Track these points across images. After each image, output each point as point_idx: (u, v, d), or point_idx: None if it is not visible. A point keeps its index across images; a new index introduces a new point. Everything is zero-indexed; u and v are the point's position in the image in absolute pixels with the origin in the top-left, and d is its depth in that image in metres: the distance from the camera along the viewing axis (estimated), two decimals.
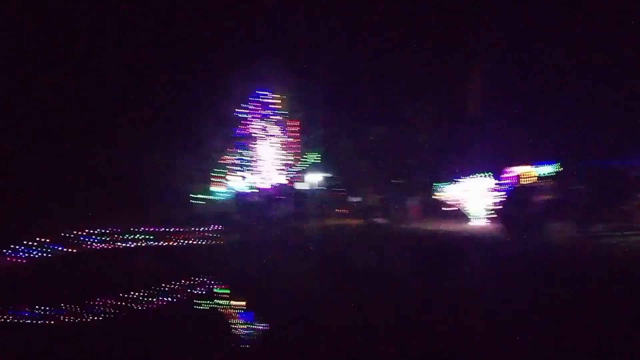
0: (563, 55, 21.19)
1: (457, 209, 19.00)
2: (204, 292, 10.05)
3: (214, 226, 15.73)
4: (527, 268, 9.97)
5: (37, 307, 8.33)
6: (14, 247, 11.17)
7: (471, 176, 19.05)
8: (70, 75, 16.82)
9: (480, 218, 18.04)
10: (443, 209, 19.40)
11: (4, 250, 11.01)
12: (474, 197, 18.49)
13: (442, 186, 19.95)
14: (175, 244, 13.98)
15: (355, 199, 21.16)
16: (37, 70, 16.20)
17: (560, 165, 20.50)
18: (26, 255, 11.26)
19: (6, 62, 15.58)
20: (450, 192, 19.51)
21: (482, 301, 7.62)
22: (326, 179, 23.99)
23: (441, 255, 11.74)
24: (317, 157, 23.90)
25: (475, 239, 14.95)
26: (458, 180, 19.43)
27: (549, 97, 21.73)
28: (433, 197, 20.16)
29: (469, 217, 18.46)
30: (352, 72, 23.92)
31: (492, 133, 21.22)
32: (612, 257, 11.33)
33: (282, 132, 23.99)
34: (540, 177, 20.34)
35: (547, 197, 17.64)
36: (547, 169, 20.85)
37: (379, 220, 17.94)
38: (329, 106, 24.20)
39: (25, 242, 11.35)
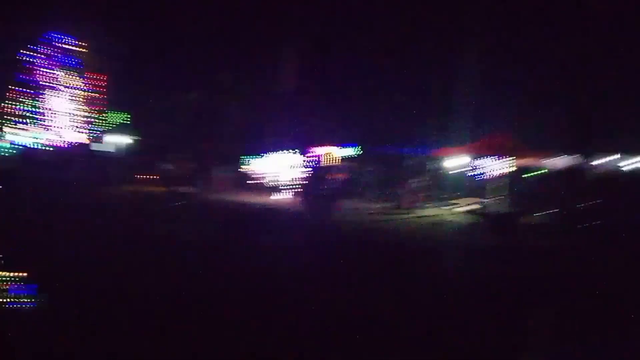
0: (371, 46, 23.20)
1: (263, 182, 19.51)
2: None
3: None
4: (320, 237, 10.96)
5: None
6: None
7: (278, 152, 19.69)
8: None
9: (284, 192, 18.85)
10: (249, 181, 19.74)
11: None
12: (280, 172, 19.21)
13: (250, 159, 20.26)
14: None
15: (165, 166, 20.11)
16: None
17: (360, 148, 22.53)
18: None
19: None
20: (258, 166, 19.94)
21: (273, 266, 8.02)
22: (134, 142, 22.38)
23: (240, 226, 11.96)
24: (124, 117, 22.11)
25: (276, 211, 15.58)
26: (265, 154, 19.92)
27: (355, 86, 23.66)
28: (241, 169, 20.36)
29: (274, 190, 19.16)
30: (168, 31, 22.58)
31: (301, 112, 22.25)
32: (382, 231, 12.96)
33: (83, 85, 21.52)
34: (341, 158, 22.10)
35: (343, 175, 19.31)
36: (348, 151, 22.74)
37: (183, 189, 17.43)
38: (141, 64, 22.48)
39: None
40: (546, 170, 17.76)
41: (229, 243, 9.58)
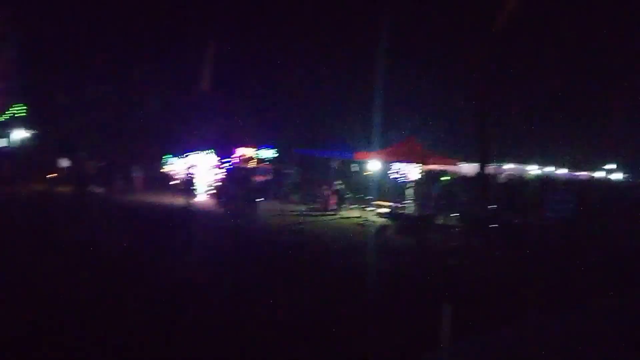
0: (294, 50, 23.31)
1: (180, 183, 18.84)
2: None
3: None
4: (236, 240, 10.79)
5: None
6: None
7: (197, 152, 19.14)
8: None
9: (203, 193, 18.31)
10: (167, 182, 18.97)
11: None
12: (199, 173, 18.65)
13: (168, 159, 19.50)
14: None
15: (68, 163, 18.57)
16: None
17: (280, 150, 22.53)
18: None
19: None
20: (176, 166, 19.26)
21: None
22: (32, 136, 20.54)
23: (152, 229, 11.46)
24: (21, 109, 20.26)
25: (193, 213, 15.11)
26: (184, 155, 19.28)
27: (279, 89, 23.67)
28: (160, 169, 19.53)
29: (193, 191, 18.54)
30: (78, 21, 21.07)
31: (222, 113, 21.83)
32: (301, 233, 13.06)
33: None
34: (259, 160, 21.95)
35: (263, 177, 19.19)
36: (268, 153, 22.66)
37: (96, 189, 16.32)
38: (45, 54, 20.75)
39: None
40: (455, 176, 18.96)
41: (137, 246, 9.16)
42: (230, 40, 23.14)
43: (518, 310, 6.61)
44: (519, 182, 19.83)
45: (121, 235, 10.02)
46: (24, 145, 20.25)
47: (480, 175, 16.45)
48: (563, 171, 31.27)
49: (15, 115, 19.66)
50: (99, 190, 16.58)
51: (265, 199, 16.85)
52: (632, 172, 34.03)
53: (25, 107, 19.78)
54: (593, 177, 31.91)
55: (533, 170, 27.99)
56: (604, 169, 34.62)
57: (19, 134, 20.44)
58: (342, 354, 5.16)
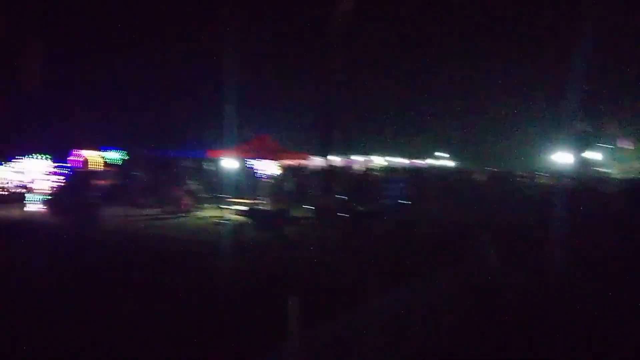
0: (134, 45, 22.03)
1: (7, 191, 16.69)
2: None
3: None
4: (76, 250, 9.97)
5: None
6: None
7: (29, 156, 17.20)
8: None
9: (36, 202, 16.40)
10: None
11: None
12: (30, 179, 16.70)
13: None
14: None
15: None
16: None
17: (126, 152, 21.20)
18: None
19: None
20: (5, 173, 17.02)
21: None
22: None
23: None
24: None
25: (25, 224, 13.60)
26: (12, 159, 17.16)
27: (120, 87, 22.20)
28: None
29: (25, 201, 16.53)
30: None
31: (57, 113, 19.85)
32: (157, 236, 12.56)
33: None
34: (105, 163, 20.43)
35: (109, 181, 17.90)
36: (113, 155, 21.17)
37: None
38: None
39: None
40: (306, 170, 19.77)
41: None
42: (72, 35, 21.17)
43: (363, 294, 7.13)
44: (364, 173, 21.38)
45: None
46: None
47: (329, 168, 17.44)
48: (405, 161, 34.50)
49: None
50: None
51: (111, 203, 15.77)
52: (461, 160, 38.74)
53: None
54: (433, 165, 35.84)
55: (378, 161, 30.45)
56: (438, 158, 39.06)
57: None
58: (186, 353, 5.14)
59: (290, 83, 22.27)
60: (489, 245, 8.45)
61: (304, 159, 19.48)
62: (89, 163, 19.20)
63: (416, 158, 35.58)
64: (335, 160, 19.93)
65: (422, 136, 33.39)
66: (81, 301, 6.68)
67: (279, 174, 17.92)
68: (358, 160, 27.41)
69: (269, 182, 17.90)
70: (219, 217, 15.25)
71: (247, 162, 19.33)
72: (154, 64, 21.81)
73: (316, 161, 20.99)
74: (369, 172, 21.77)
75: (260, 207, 15.30)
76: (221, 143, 18.87)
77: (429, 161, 37.50)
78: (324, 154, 19.09)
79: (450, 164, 38.91)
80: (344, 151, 22.06)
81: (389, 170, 23.72)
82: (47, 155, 17.36)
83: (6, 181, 17.18)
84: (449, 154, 38.82)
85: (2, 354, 4.91)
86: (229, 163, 18.68)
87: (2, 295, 6.87)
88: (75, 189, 15.27)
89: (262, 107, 21.74)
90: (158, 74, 21.95)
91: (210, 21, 21.93)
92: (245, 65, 20.61)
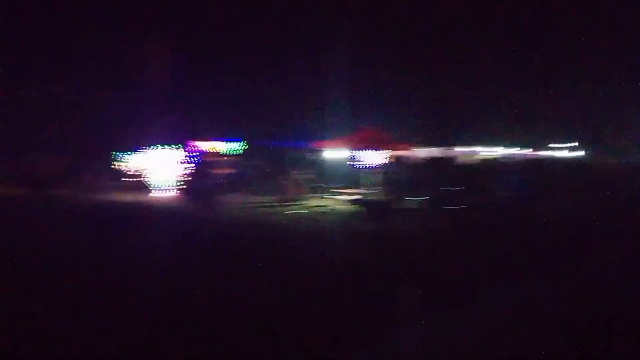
0: (251, 42, 23.13)
1: (140, 179, 18.51)
2: None
3: None
4: (205, 234, 10.77)
5: None
6: None
7: (157, 147, 18.84)
8: None
9: (164, 189, 18.07)
10: (124, 179, 18.58)
11: None
12: (159, 168, 18.37)
13: (124, 155, 19.03)
14: None
15: (27, 165, 18.05)
16: None
17: (244, 143, 22.41)
18: None
19: None
20: (134, 162, 18.85)
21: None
22: None
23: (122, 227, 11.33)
24: None
25: (158, 210, 14.99)
26: (145, 149, 18.92)
27: (237, 81, 23.46)
28: (114, 166, 19.05)
29: (152, 188, 18.28)
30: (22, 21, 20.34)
31: (183, 106, 21.51)
32: (270, 223, 13.14)
33: None
34: (225, 153, 21.78)
35: (228, 170, 19.10)
36: (232, 146, 22.49)
37: (51, 191, 15.92)
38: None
39: None
40: (417, 160, 19.27)
41: (111, 244, 9.07)
42: (195, 30, 22.79)
43: (482, 287, 6.84)
44: (479, 164, 20.36)
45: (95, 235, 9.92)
46: None
47: (442, 158, 16.89)
48: (523, 151, 32.10)
49: None
50: (58, 191, 16.25)
51: (230, 191, 16.82)
52: (593, 150, 35.00)
53: None
54: (554, 156, 32.86)
55: (491, 152, 28.70)
56: (564, 147, 35.57)
57: None
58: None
59: (398, 74, 21.88)
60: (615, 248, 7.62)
61: (412, 149, 19.11)
62: (210, 153, 20.61)
63: (535, 147, 32.96)
64: (448, 150, 19.23)
65: (541, 123, 30.86)
66: (211, 280, 7.18)
67: (387, 164, 17.78)
68: (470, 150, 26.19)
69: (376, 172, 17.85)
70: (328, 206, 15.54)
71: (353, 153, 19.45)
72: (270, 60, 22.71)
73: (427, 151, 20.47)
74: (485, 162, 20.73)
75: (371, 198, 15.29)
76: (327, 134, 19.20)
77: (548, 151, 34.44)
78: (435, 144, 18.55)
79: (575, 153, 35.48)
80: (455, 141, 21.19)
81: (506, 160, 22.30)
82: (173, 145, 18.86)
83: (136, 169, 18.96)
84: (575, 142, 35.32)
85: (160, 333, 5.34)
86: (335, 154, 18.96)
87: (155, 273, 7.53)
88: (198, 177, 16.51)
89: (368, 98, 21.66)
90: (274, 68, 22.81)
91: (321, 15, 22.27)
92: (352, 56, 20.63)
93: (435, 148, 18.12)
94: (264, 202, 16.57)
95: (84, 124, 19.77)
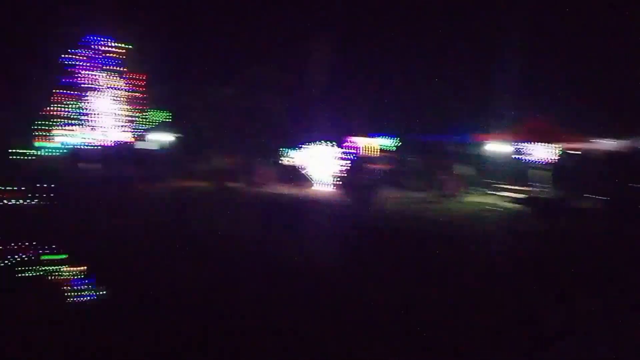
0: (406, 34, 23.13)
1: (303, 174, 19.80)
2: (31, 258, 9.03)
3: (43, 185, 14.01)
4: (367, 228, 11.18)
5: None
6: None
7: (317, 143, 19.88)
8: None
9: (324, 183, 19.12)
10: (290, 174, 20.05)
11: None
12: (319, 164, 19.45)
13: (289, 151, 20.53)
14: None
15: (209, 161, 20.70)
16: None
17: (399, 138, 22.57)
18: None
19: None
20: (298, 158, 20.19)
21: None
22: (175, 138, 22.95)
23: (290, 217, 12.28)
24: (165, 115, 22.64)
25: (320, 203, 15.87)
26: (304, 146, 20.15)
27: (392, 76, 23.65)
28: (280, 162, 20.65)
29: (313, 182, 19.45)
30: (202, 30, 22.96)
31: (340, 104, 22.39)
32: (431, 220, 13.06)
33: (124, 85, 22.08)
34: (381, 149, 22.17)
35: (383, 166, 19.43)
36: (386, 142, 22.80)
37: (230, 184, 17.93)
38: (178, 63, 22.97)
39: None
40: (591, 155, 17.51)
41: (281, 236, 9.88)
42: (345, 31, 23.56)
43: None
44: None
45: (268, 225, 10.91)
46: (170, 147, 22.77)
47: (622, 153, 15.05)
48: None
49: (162, 121, 22.07)
50: (235, 184, 18.30)
51: (385, 186, 17.11)
52: None
53: (168, 113, 22.11)
54: None
55: None
56: None
57: (166, 137, 22.98)
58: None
59: (570, 58, 19.99)
60: None
61: (586, 142, 17.37)
62: (366, 149, 21.17)
63: None
64: (626, 144, 17.08)
65: None
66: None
67: (556, 159, 16.43)
68: None
69: (544, 168, 16.64)
70: (490, 203, 14.95)
71: (518, 147, 18.32)
72: (424, 55, 22.51)
73: (602, 145, 18.43)
74: None
75: (537, 195, 14.36)
76: (489, 127, 18.34)
77: None
78: (613, 137, 16.58)
79: None
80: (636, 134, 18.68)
81: None
82: (331, 142, 19.78)
83: (299, 164, 20.30)
84: None
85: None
86: (498, 147, 18.05)
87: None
88: (355, 172, 17.14)
89: (534, 85, 20.15)
90: (429, 63, 22.55)
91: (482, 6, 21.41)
92: (519, 44, 19.39)
93: (618, 141, 16.20)
94: (421, 198, 16.55)
95: (254, 124, 21.74)
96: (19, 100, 18.83)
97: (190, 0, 22.88)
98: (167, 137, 22.66)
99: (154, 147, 22.43)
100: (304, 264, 7.92)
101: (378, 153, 21.10)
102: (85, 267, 7.48)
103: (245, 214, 12.95)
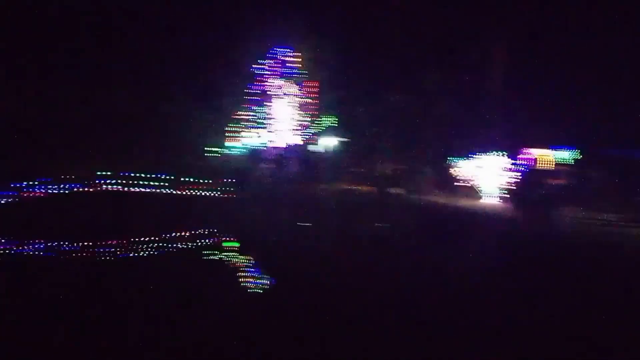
0: (586, 41, 20.61)
1: (469, 184, 18.97)
2: (212, 243, 10.26)
3: (227, 180, 15.90)
4: (531, 249, 10.18)
5: (51, 241, 8.65)
6: (32, 183, 11.61)
7: (487, 153, 18.86)
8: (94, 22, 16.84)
9: (492, 196, 18.06)
10: (455, 183, 19.36)
11: (22, 185, 11.43)
12: (488, 175, 18.44)
13: (456, 161, 19.84)
14: (187, 193, 14.26)
15: (374, 166, 21.21)
16: None
17: (579, 152, 20.22)
18: (43, 190, 11.70)
19: None
20: (464, 168, 19.42)
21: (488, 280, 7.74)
22: (341, 143, 23.94)
23: (456, 230, 11.85)
24: (333, 120, 23.75)
25: (487, 217, 15.05)
26: (473, 156, 19.28)
27: (568, 84, 21.28)
28: (446, 171, 20.06)
29: (481, 194, 18.49)
30: (373, 37, 23.47)
31: (512, 112, 20.88)
32: (614, 246, 11.37)
33: (299, 92, 23.77)
34: (556, 162, 20.12)
35: (559, 181, 17.57)
36: (564, 154, 20.60)
37: (394, 190, 18.09)
38: (349, 69, 23.90)
39: (42, 179, 11.76)
40: None
41: (449, 248, 9.56)
42: (521, 31, 21.94)
43: None
44: None
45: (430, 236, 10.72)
46: (334, 150, 23.81)
47: None
48: None
49: (329, 125, 23.22)
50: (395, 190, 18.32)
51: (561, 204, 15.46)
52: None
53: (336, 118, 23.15)
54: None
55: None
56: None
57: (330, 141, 24.11)
58: None
59: None
60: None
61: None
62: (540, 161, 19.41)
63: None
64: None
65: None
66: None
67: None
68: None
69: None
70: None
71: None
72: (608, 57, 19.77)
73: None
74: None
75: None
76: None
77: None
78: None
79: None
80: None
81: None
82: (502, 152, 18.56)
83: (466, 175, 19.46)
84: None
85: None
86: None
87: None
88: (531, 186, 15.80)
89: None
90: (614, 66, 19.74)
91: None
92: None
93: None
94: (603, 220, 14.55)
95: (422, 130, 21.53)
96: (216, 106, 21.50)
97: (360, 11, 23.53)
98: (334, 141, 23.73)
99: (322, 150, 23.67)
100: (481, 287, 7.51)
101: (554, 166, 19.14)
102: (255, 256, 8.24)
103: (409, 221, 12.86)
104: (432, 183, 19.76)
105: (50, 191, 11.50)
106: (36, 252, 8.27)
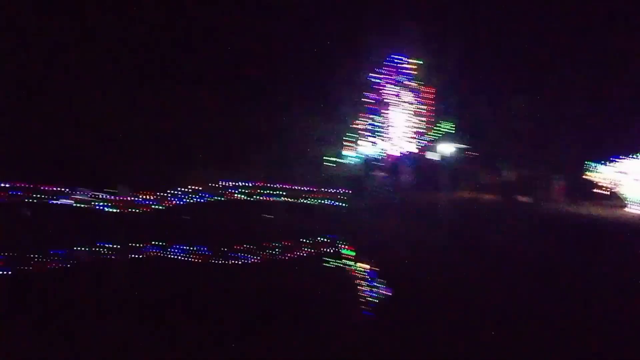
0: None
1: (610, 192, 16.98)
2: (332, 251, 10.41)
3: (344, 189, 16.04)
4: None
5: (189, 245, 9.48)
6: (173, 193, 13.00)
7: (630, 157, 16.79)
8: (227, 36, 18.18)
9: (637, 204, 15.96)
10: (594, 190, 17.43)
11: (165, 195, 12.87)
12: (633, 181, 16.36)
13: (594, 166, 17.89)
14: (307, 202, 14.69)
15: (499, 174, 20.03)
16: None
17: None
18: (184, 200, 12.98)
19: None
20: (604, 173, 17.45)
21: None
22: (459, 150, 22.96)
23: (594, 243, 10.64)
24: (450, 126, 22.90)
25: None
26: (614, 160, 17.27)
27: None
28: (583, 177, 18.19)
29: (625, 202, 16.43)
30: (491, 41, 22.23)
31: None
32: None
33: (415, 100, 23.29)
34: None
35: None
36: None
37: (521, 198, 16.86)
38: (468, 73, 22.86)
39: (181, 189, 13.06)
40: None
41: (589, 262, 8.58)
42: None
43: None
44: None
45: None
46: (452, 158, 22.88)
47: None
48: None
49: (446, 131, 22.42)
50: (523, 199, 17.04)
51: None
52: None
53: (453, 124, 22.28)
54: None
55: None
56: None
57: (448, 148, 23.22)
58: None
59: None
60: None
61: None
62: None
63: None
64: None
65: None
66: None
67: None
68: None
69: None
70: None
71: None
72: None
73: None
74: None
75: None
76: None
77: None
78: None
79: None
80: None
81: None
82: None
83: (608, 180, 17.51)
84: None
85: None
86: None
87: None
88: None
89: None
90: None
91: None
92: None
93: None
94: None
95: (553, 134, 19.90)
96: (334, 116, 21.84)
97: (484, 11, 22.44)
98: (452, 148, 22.85)
99: (439, 158, 22.89)
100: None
101: None
102: (371, 265, 8.13)
103: (537, 231, 11.89)
104: (565, 190, 18.04)
105: (189, 200, 12.75)
106: (179, 257, 9.08)
